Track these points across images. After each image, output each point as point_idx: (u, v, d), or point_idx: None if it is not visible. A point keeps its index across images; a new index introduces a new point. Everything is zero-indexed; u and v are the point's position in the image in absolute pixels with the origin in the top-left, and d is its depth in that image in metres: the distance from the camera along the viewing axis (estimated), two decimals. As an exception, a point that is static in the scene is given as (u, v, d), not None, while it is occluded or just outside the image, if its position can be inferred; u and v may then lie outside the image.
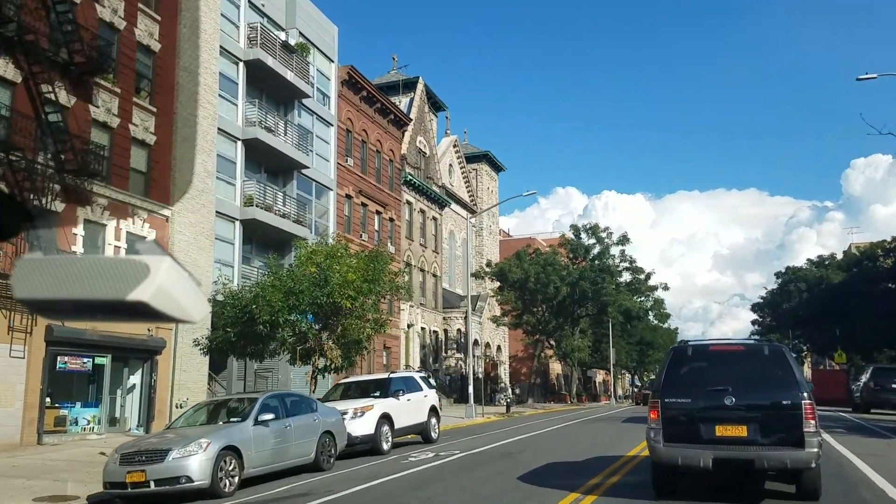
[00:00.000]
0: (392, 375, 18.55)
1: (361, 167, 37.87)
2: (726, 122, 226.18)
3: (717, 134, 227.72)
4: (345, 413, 16.00)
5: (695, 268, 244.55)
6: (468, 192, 64.54)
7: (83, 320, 1.45)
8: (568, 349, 52.67)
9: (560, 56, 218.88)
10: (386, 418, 16.84)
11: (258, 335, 17.77)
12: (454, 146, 62.62)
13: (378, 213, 39.66)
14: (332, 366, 19.51)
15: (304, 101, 32.40)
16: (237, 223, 27.84)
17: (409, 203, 44.26)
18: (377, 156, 40.16)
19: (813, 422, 8.57)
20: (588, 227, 41.55)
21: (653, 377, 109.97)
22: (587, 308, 43.46)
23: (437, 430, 19.38)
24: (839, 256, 50.65)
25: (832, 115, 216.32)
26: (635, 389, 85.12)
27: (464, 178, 63.95)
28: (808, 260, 52.73)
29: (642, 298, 42.29)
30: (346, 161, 36.19)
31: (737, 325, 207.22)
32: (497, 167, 71.09)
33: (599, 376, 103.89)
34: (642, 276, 42.17)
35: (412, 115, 45.00)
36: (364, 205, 37.91)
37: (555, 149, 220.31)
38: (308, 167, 31.99)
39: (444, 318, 50.38)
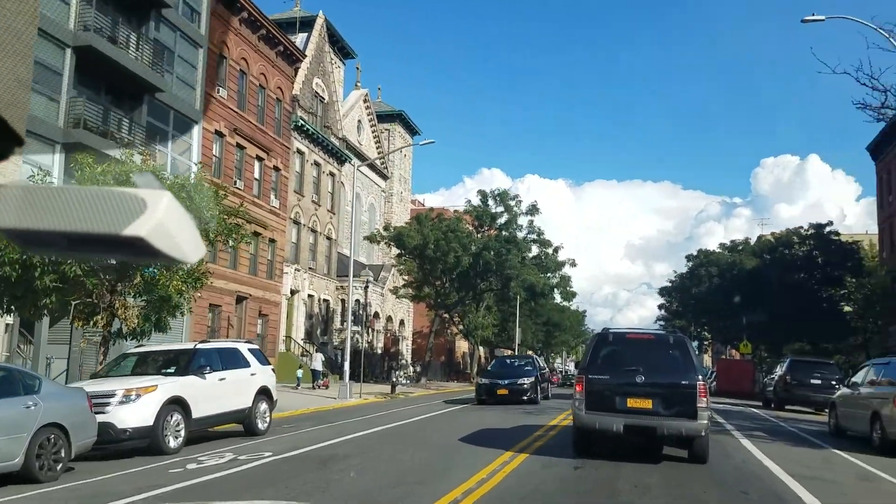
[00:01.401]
0: (200, 346, 13.95)
1: (239, 102, 32.61)
2: (648, 114, 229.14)
3: (637, 125, 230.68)
4: (108, 396, 11.41)
5: (607, 255, 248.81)
6: (379, 153, 59.74)
7: (75, 255, 1.69)
8: (471, 326, 49.08)
9: (492, 37, 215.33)
10: (177, 404, 12.31)
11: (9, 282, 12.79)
12: (364, 101, 57.56)
13: (259, 158, 34.54)
14: (134, 330, 14.75)
15: (164, 12, 26.93)
16: (58, 147, 22.39)
17: (300, 153, 39.24)
18: (261, 92, 34.92)
19: (705, 399, 10.65)
20: (496, 193, 37.80)
21: (559, 359, 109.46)
22: (491, 282, 39.77)
23: (267, 419, 14.97)
24: (753, 241, 48.64)
25: (747, 113, 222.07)
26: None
27: (374, 137, 59.10)
28: (721, 244, 50.60)
29: (549, 275, 38.94)
30: (218, 92, 30.88)
31: (643, 313, 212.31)
32: (412, 130, 66.51)
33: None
34: (550, 251, 38.77)
35: (308, 53, 39.80)
36: (241, 147, 32.72)
37: (484, 129, 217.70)
38: (162, 90, 26.58)
39: (338, 287, 45.75)
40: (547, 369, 29.66)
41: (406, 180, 67.95)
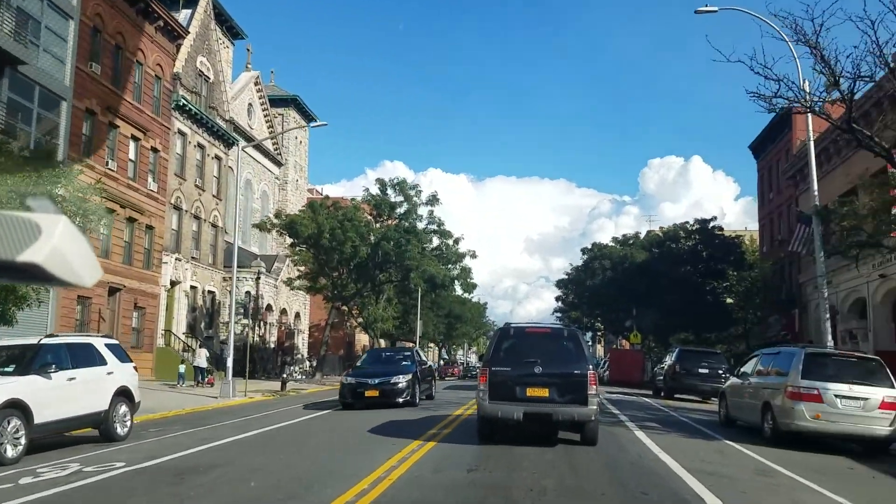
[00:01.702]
0: (45, 341, 12.17)
1: (113, 78, 29.95)
2: (545, 113, 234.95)
3: (536, 124, 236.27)
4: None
5: (508, 249, 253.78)
6: (272, 141, 57.30)
7: None
8: (370, 318, 47.80)
9: (395, 29, 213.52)
10: (15, 408, 10.58)
11: None
12: (255, 84, 55.06)
13: (135, 138, 31.94)
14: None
15: (25, -27, 24.16)
16: None
17: (182, 134, 36.70)
18: (138, 68, 32.29)
19: (594, 387, 11.56)
20: (395, 182, 36.76)
21: (460, 351, 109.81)
22: (390, 273, 38.68)
23: (127, 423, 13.32)
24: (643, 236, 49.99)
25: (636, 115, 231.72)
26: (442, 362, 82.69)
27: (267, 122, 56.70)
28: (614, 238, 51.71)
29: (450, 267, 38.32)
30: (91, 67, 28.22)
31: (541, 305, 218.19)
32: (308, 116, 64.38)
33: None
34: (451, 242, 38.14)
35: (192, 30, 37.27)
36: (114, 125, 30.09)
37: (387, 121, 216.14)
38: (26, 63, 23.88)
39: (225, 278, 43.38)
40: (430, 363, 24.23)
41: (302, 168, 65.75)
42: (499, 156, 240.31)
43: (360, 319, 49.43)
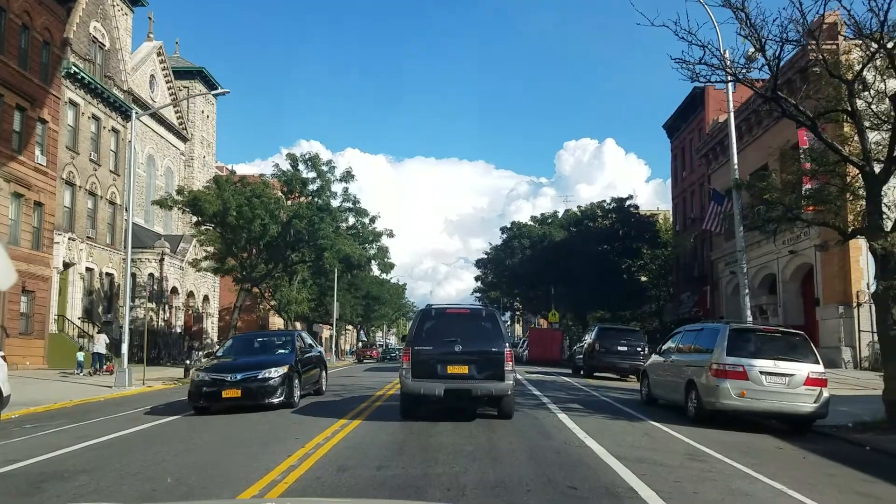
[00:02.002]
0: None
1: (-10, 39, 27.06)
2: (464, 95, 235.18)
3: (454, 105, 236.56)
4: None
5: (427, 230, 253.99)
6: (177, 113, 54.28)
7: None
8: (284, 301, 46.05)
9: (313, 8, 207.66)
10: None
11: None
12: (158, 55, 51.84)
13: (20, 108, 29.10)
14: None
15: None
16: None
17: (73, 104, 33.79)
18: (24, 32, 29.39)
19: (511, 363, 12.37)
20: (307, 156, 35.00)
21: (379, 333, 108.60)
22: (303, 253, 36.99)
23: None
24: (561, 215, 50.05)
25: (552, 98, 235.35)
26: (360, 345, 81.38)
27: (171, 95, 53.53)
28: (533, 217, 51.54)
29: (366, 246, 36.97)
30: (-38, 25, 25.33)
31: (461, 286, 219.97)
32: (216, 90, 61.30)
33: (326, 331, 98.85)
34: (367, 220, 36.81)
35: (83, -10, 34.29)
36: (-8, 92, 27.24)
37: (304, 100, 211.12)
38: None
39: (125, 259, 40.66)
40: (318, 350, 19.37)
41: (210, 144, 62.73)
42: (417, 137, 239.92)
43: (273, 302, 47.56)
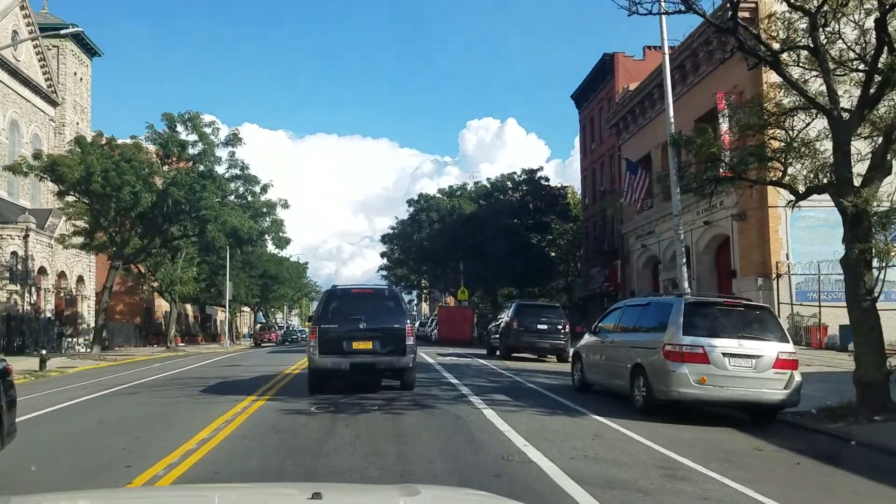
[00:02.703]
0: None
1: None
2: (366, 70, 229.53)
3: (359, 80, 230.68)
4: None
5: (331, 209, 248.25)
6: (45, 74, 48.48)
7: None
8: (167, 281, 41.77)
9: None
10: None
11: None
12: (22, 9, 45.91)
13: None
14: None
15: None
16: None
17: None
18: None
19: (412, 338, 13.21)
20: (186, 116, 30.90)
21: (279, 314, 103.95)
22: (185, 227, 33.06)
23: None
24: (471, 187, 47.85)
25: (457, 74, 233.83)
26: (258, 327, 77.02)
27: (38, 55, 47.74)
28: (440, 190, 49.11)
29: (259, 219, 33.33)
30: None
31: (366, 265, 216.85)
32: (91, 51, 55.69)
33: (220, 314, 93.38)
34: (257, 189, 33.11)
35: None
36: None
37: (201, 73, 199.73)
38: None
39: (-19, 236, 35.37)
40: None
41: (84, 109, 56.67)
42: (319, 112, 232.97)
43: (155, 283, 43.23)
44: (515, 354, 23.38)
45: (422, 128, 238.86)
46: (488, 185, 46.04)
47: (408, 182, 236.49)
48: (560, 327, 22.71)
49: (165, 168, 30.86)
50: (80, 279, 52.25)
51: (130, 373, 20.99)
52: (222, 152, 31.54)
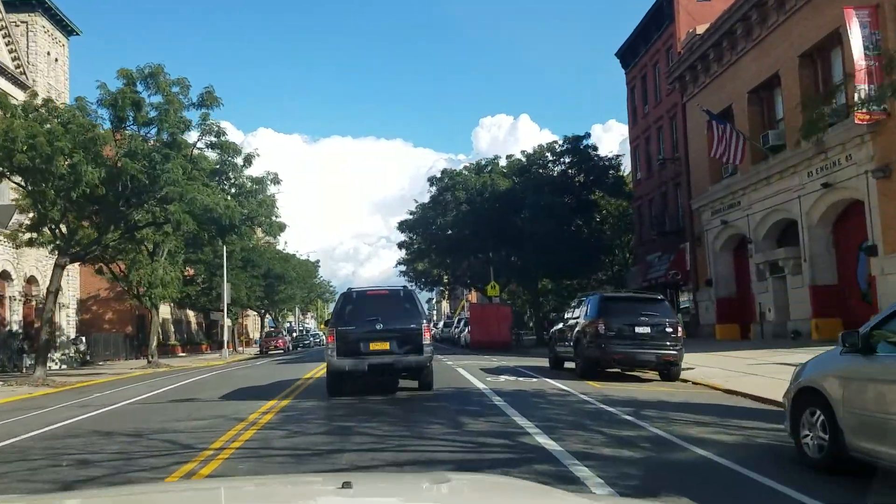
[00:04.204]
0: None
1: None
2: (381, 71, 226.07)
3: (369, 82, 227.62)
4: None
5: (347, 211, 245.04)
6: (11, 53, 41.86)
7: None
8: (144, 283, 34.80)
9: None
10: None
11: None
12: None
13: None
14: None
15: None
16: None
17: None
18: None
19: (429, 337, 13.45)
20: (147, 71, 23.80)
21: (291, 317, 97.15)
22: (154, 213, 25.98)
23: None
24: (503, 163, 40.09)
25: (468, 74, 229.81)
26: (265, 333, 70.00)
27: (3, 34, 41.30)
28: (465, 167, 41.32)
29: (243, 199, 26.06)
30: None
31: (383, 265, 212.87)
32: (67, 28, 49.08)
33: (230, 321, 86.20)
34: (239, 161, 25.63)
35: None
36: None
37: (214, 76, 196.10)
38: None
39: None
40: None
41: (61, 94, 49.74)
42: (333, 115, 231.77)
43: (127, 285, 36.26)
44: (597, 369, 15.95)
45: (435, 127, 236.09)
46: (523, 160, 38.50)
47: (423, 181, 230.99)
48: (669, 330, 15.30)
49: (118, 136, 23.71)
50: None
51: (28, 416, 13.81)
52: (194, 115, 24.41)
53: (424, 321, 13.50)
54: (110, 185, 23.43)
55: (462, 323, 47.61)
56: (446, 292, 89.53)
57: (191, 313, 70.97)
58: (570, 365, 18.39)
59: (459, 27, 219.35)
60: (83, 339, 45.13)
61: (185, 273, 54.92)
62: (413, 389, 13.80)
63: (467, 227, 36.54)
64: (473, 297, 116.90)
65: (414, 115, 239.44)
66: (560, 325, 18.62)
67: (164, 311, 64.43)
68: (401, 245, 47.29)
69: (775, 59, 27.49)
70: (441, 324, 64.36)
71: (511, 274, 43.14)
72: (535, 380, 15.85)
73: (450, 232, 40.27)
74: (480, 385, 14.57)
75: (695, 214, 34.22)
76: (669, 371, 15.62)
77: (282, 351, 56.50)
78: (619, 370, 16.72)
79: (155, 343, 36.79)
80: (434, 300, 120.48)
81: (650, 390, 13.93)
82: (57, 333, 46.14)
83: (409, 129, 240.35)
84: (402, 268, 57.09)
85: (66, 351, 43.83)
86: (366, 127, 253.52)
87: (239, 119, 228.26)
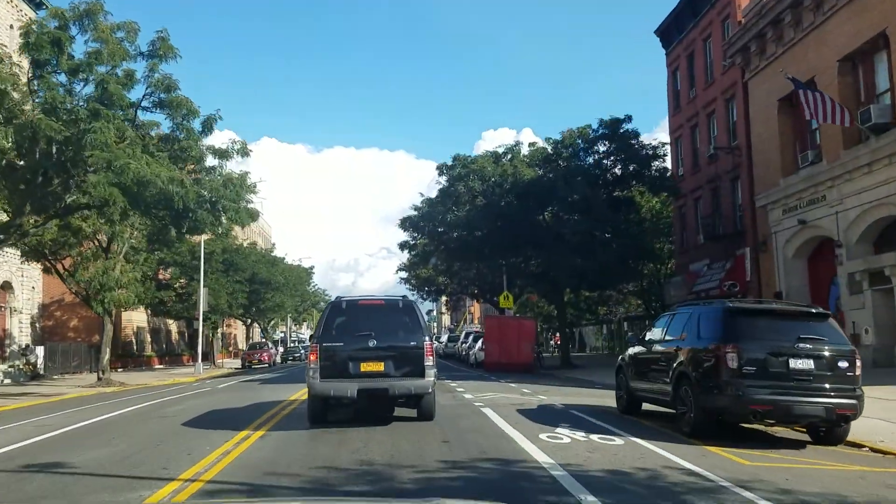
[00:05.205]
0: None
1: None
2: (383, 84, 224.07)
3: (373, 93, 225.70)
4: None
5: (348, 221, 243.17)
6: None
7: None
8: (94, 284, 28.89)
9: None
10: None
11: None
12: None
13: None
14: None
15: None
16: None
17: None
18: None
19: (431, 358, 11.22)
20: (83, 8, 17.86)
21: (280, 328, 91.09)
22: (90, 193, 19.86)
23: None
24: (524, 152, 33.75)
25: (469, 88, 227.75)
26: (249, 345, 63.87)
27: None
28: (480, 157, 34.80)
29: (210, 176, 20.16)
30: None
31: (383, 277, 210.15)
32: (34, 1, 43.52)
33: (233, 329, 79.98)
34: (195, 124, 19.50)
35: None
36: None
37: (218, 85, 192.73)
38: None
39: None
40: None
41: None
42: (336, 125, 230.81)
43: (74, 286, 30.33)
44: (719, 424, 9.98)
45: (438, 139, 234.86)
46: (548, 148, 32.57)
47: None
48: (843, 364, 9.31)
49: (28, 88, 17.82)
50: (7, 285, 39.71)
51: None
52: (139, 66, 18.57)
53: (427, 338, 11.42)
54: (24, 152, 17.61)
55: (470, 338, 41.63)
56: (449, 303, 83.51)
57: (171, 322, 65.09)
58: (647, 405, 12.49)
59: (462, 40, 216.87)
60: (34, 348, 39.16)
61: (162, 277, 49.26)
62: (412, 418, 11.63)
63: (484, 223, 30.50)
64: (476, 308, 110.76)
65: (417, 127, 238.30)
66: (638, 350, 12.61)
67: (140, 318, 58.43)
68: (403, 246, 41.23)
69: (880, 15, 21.70)
70: (445, 338, 58.16)
71: (529, 282, 37.16)
72: (617, 441, 9.85)
73: (460, 232, 34.26)
74: (541, 457, 8.51)
75: (759, 214, 28.32)
76: (834, 431, 9.70)
77: (267, 365, 50.52)
78: (751, 425, 10.72)
79: (107, 357, 30.73)
80: (434, 312, 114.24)
81: (841, 471, 7.97)
82: (7, 342, 40.30)
83: (412, 141, 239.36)
84: (403, 274, 51.07)
85: (15, 362, 37.89)
86: (370, 138, 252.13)
87: (242, 128, 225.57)
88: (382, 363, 11.01)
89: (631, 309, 47.80)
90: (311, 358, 11.20)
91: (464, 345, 42.70)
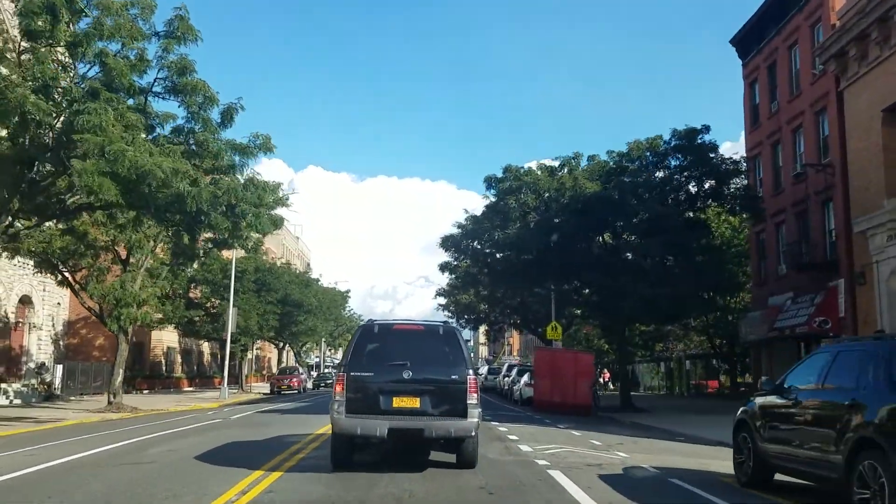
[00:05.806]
0: None
1: None
2: (426, 112, 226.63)
3: (416, 124, 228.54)
4: None
5: (388, 249, 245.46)
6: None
7: None
8: (109, 297, 26.39)
9: (272, 11, 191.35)
10: None
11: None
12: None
13: None
14: None
15: None
16: None
17: None
18: None
19: (475, 395, 9.68)
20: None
21: (315, 353, 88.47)
22: (73, 175, 17.08)
23: None
24: (584, 163, 30.30)
25: (510, 117, 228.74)
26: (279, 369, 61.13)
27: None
28: (537, 164, 31.27)
29: (222, 176, 17.44)
30: None
31: (421, 305, 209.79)
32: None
33: (248, 352, 77.26)
34: (214, 114, 16.73)
35: None
36: None
37: (265, 115, 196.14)
38: None
39: None
40: None
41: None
42: (380, 154, 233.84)
43: (91, 303, 27.86)
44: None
45: (481, 170, 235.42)
46: (610, 162, 29.19)
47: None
48: None
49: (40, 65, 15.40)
50: (26, 300, 37.58)
51: None
52: (153, 48, 16.00)
53: (470, 371, 9.81)
54: (11, 136, 15.09)
55: (514, 371, 38.13)
56: (489, 333, 79.83)
57: (205, 344, 62.87)
58: (779, 475, 9.04)
59: (504, 72, 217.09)
60: (49, 367, 36.89)
61: (193, 295, 47.04)
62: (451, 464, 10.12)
63: (533, 244, 27.14)
64: (516, 339, 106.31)
65: (459, 158, 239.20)
66: (773, 400, 9.17)
67: (171, 338, 56.30)
68: (443, 268, 37.88)
69: None
70: (484, 370, 54.51)
71: (584, 311, 33.58)
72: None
73: (506, 253, 30.92)
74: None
75: (856, 240, 24.47)
76: None
77: (296, 391, 47.69)
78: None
79: (120, 379, 28.06)
80: (471, 342, 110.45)
81: None
82: (24, 360, 38.14)
83: (453, 171, 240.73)
84: (442, 300, 47.78)
85: (30, 381, 35.66)
86: (411, 168, 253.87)
87: (289, 156, 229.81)
88: (418, 399, 9.65)
89: (692, 346, 43.71)
90: (337, 389, 9.84)
91: (506, 378, 39.17)
